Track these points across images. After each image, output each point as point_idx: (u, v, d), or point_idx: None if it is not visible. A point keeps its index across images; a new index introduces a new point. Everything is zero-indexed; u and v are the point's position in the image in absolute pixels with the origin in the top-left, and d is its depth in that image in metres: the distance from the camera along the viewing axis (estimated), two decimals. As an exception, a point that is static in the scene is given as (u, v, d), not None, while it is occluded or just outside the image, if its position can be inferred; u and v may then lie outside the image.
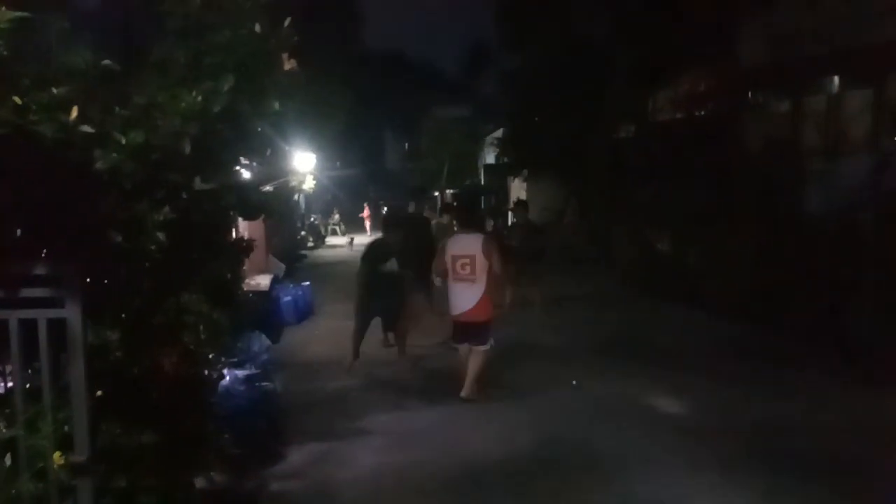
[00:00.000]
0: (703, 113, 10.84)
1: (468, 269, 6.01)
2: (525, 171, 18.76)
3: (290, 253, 17.18)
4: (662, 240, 12.07)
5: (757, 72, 9.52)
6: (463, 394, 6.04)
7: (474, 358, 6.09)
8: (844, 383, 6.37)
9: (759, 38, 9.35)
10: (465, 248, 6.08)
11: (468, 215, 6.92)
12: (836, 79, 8.49)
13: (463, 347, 6.21)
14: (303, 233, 23.78)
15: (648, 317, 10.00)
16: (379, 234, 8.30)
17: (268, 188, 4.27)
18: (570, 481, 4.44)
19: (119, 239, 2.71)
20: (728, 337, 8.31)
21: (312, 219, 27.92)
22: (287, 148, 7.93)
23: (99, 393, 2.58)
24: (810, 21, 8.38)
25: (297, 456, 4.88)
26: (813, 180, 8.58)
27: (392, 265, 7.10)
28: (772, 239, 8.72)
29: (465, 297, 6.06)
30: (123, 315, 2.94)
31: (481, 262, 6.01)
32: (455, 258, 6.06)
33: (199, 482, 3.72)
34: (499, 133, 21.11)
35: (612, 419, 5.60)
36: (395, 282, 7.16)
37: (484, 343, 6.10)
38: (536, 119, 16.68)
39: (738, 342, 8.01)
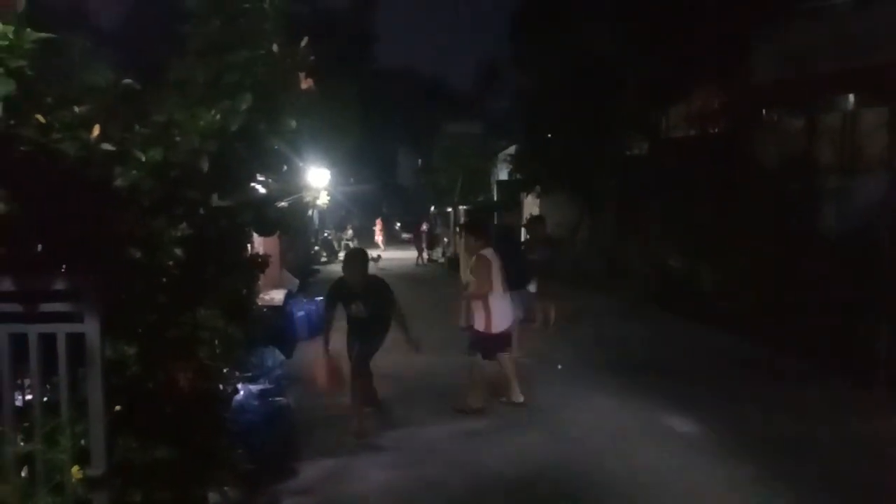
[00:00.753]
0: (716, 130, 10.83)
1: (502, 279, 6.45)
2: (538, 188, 18.76)
3: (304, 268, 17.25)
4: (675, 256, 12.02)
5: (771, 89, 9.51)
6: (521, 399, 6.42)
7: (510, 363, 6.50)
8: (862, 401, 6.34)
9: (773, 56, 9.34)
10: (498, 260, 6.49)
11: (487, 231, 7.26)
12: (851, 97, 8.46)
13: (486, 361, 6.36)
14: (316, 248, 23.88)
15: (661, 333, 9.93)
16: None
17: (283, 204, 4.32)
18: (581, 501, 4.41)
19: (137, 255, 2.75)
20: (741, 354, 8.24)
21: (326, 234, 28.05)
22: (302, 164, 8.00)
23: (118, 408, 2.60)
24: (825, 38, 8.38)
25: (309, 471, 4.88)
26: (828, 198, 8.53)
27: (358, 309, 5.80)
28: (787, 256, 8.66)
29: (509, 308, 6.51)
30: (140, 330, 2.98)
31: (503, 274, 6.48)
32: (499, 270, 6.42)
33: (213, 497, 3.73)
34: (512, 149, 21.13)
35: (624, 436, 5.56)
36: (370, 327, 5.86)
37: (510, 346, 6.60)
38: (549, 136, 16.70)
39: (751, 360, 7.94)
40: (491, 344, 6.34)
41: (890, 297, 6.91)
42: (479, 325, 6.33)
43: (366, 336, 5.85)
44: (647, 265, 12.75)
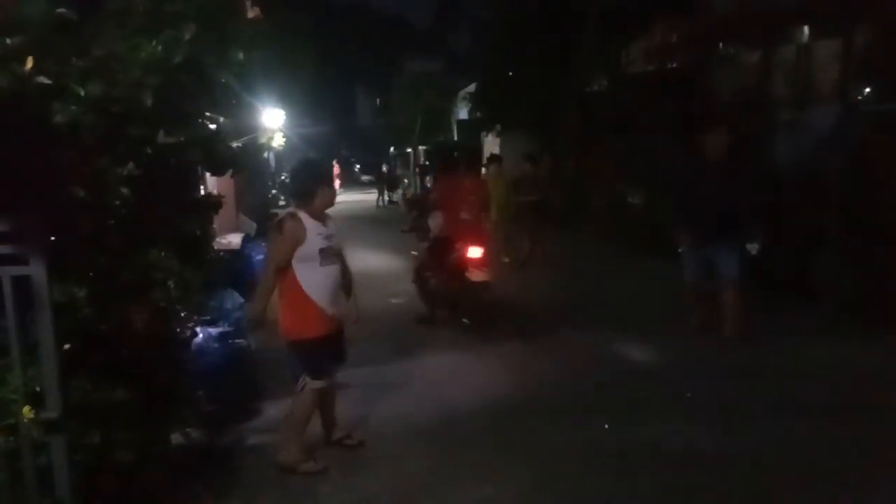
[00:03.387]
0: (674, 64, 10.83)
1: None
2: (498, 126, 18.62)
3: (262, 211, 16.97)
4: (634, 192, 12.15)
5: (728, 22, 9.50)
6: None
7: None
8: (814, 323, 6.65)
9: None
10: None
11: None
12: (806, 29, 8.50)
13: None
14: (274, 191, 23.49)
15: (620, 270, 10.12)
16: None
17: (236, 144, 4.20)
18: (543, 428, 4.54)
19: (82, 194, 2.66)
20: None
21: (283, 177, 27.59)
22: (255, 103, 7.76)
23: (66, 346, 2.55)
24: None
25: (272, 410, 4.91)
26: (783, 129, 8.66)
27: None
28: (743, 188, 8.80)
29: None
30: (90, 272, 2.90)
31: None
32: None
33: (175, 438, 3.73)
34: (472, 88, 20.86)
35: (588, 369, 5.72)
36: None
37: None
38: (510, 73, 16.50)
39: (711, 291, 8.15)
40: None
41: (841, 224, 7.13)
42: None
43: None
44: (607, 202, 12.89)
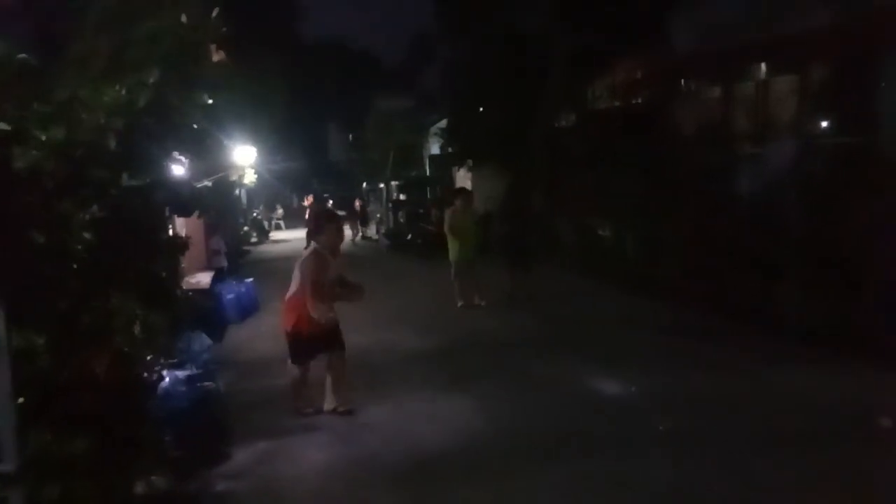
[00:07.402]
0: (638, 101, 11.10)
1: None
2: (469, 161, 18.78)
3: (233, 249, 16.83)
4: (603, 226, 12.31)
5: (689, 60, 9.78)
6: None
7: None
8: (779, 354, 6.68)
9: (691, 27, 9.60)
10: None
11: None
12: (763, 66, 8.77)
13: None
14: (245, 228, 23.35)
15: (590, 303, 10.18)
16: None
17: (205, 183, 4.18)
18: (516, 465, 4.51)
19: (42, 239, 2.62)
20: (666, 320, 8.53)
21: (255, 213, 27.46)
22: (225, 141, 7.76)
23: (21, 399, 2.48)
24: (739, 10, 8.66)
25: (242, 455, 4.82)
26: (743, 164, 8.88)
27: None
28: (705, 222, 8.98)
29: None
30: (50, 318, 2.84)
31: None
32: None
33: (139, 487, 3.63)
34: (443, 123, 21.06)
35: (562, 403, 5.70)
36: None
37: None
38: (479, 108, 16.71)
39: (676, 325, 8.23)
40: None
41: (802, 258, 7.27)
42: None
43: None
44: (576, 235, 13.03)
